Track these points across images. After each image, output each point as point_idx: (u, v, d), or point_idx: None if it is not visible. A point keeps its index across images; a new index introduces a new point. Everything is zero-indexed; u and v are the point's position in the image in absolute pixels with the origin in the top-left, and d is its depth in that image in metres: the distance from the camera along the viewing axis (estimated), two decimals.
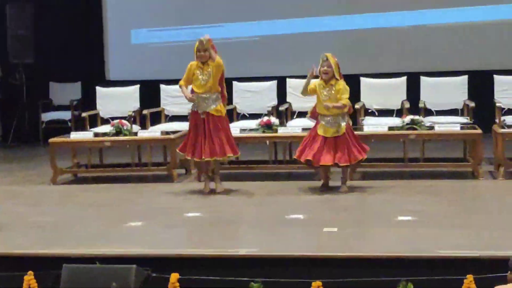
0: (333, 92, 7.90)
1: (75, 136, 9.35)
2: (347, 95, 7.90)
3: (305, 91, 8.14)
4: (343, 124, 7.89)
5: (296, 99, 9.74)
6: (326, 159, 7.83)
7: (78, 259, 5.75)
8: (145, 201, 7.98)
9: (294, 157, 8.26)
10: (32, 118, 13.31)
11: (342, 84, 7.92)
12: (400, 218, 6.80)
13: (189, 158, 8.17)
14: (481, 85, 10.33)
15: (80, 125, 12.42)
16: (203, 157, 7.94)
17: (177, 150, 8.27)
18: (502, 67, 11.05)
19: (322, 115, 7.96)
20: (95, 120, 10.14)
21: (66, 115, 12.98)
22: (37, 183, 9.30)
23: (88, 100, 12.19)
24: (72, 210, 7.67)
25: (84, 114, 9.98)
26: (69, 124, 12.80)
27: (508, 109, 9.42)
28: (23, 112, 13.46)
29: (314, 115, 8.13)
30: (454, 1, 12.10)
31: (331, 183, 8.19)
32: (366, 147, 8.10)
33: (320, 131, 7.91)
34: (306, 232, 6.51)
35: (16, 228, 6.90)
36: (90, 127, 9.85)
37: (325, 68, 7.90)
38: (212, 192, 8.13)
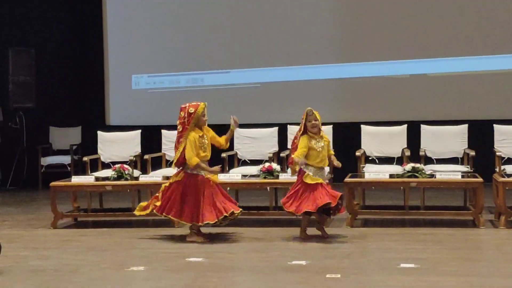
0: (322, 143, 8.08)
1: (77, 180, 9.34)
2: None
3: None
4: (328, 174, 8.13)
5: None
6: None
7: None
8: (146, 246, 7.96)
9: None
10: (32, 162, 13.35)
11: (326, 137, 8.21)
12: (403, 265, 6.77)
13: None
14: (481, 134, 10.42)
15: (79, 169, 12.48)
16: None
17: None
18: (502, 117, 11.19)
19: (316, 167, 8.05)
20: (95, 165, 10.16)
21: (65, 159, 13.05)
22: (37, 227, 9.29)
23: (88, 145, 12.27)
24: (73, 254, 7.63)
25: (85, 158, 9.99)
26: (69, 168, 12.84)
27: (508, 158, 9.49)
28: (23, 156, 13.50)
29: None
30: (454, 51, 12.24)
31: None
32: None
33: (308, 180, 8.02)
34: (309, 278, 6.48)
35: (17, 272, 6.86)
36: (90, 172, 9.86)
37: (313, 122, 8.04)
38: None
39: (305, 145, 8.00)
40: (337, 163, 8.09)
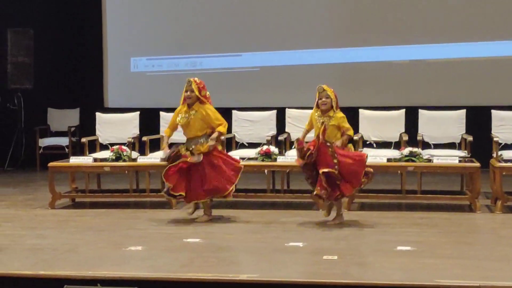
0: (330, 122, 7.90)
1: (75, 160, 9.36)
2: (347, 124, 7.96)
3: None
4: None
5: (295, 129, 9.80)
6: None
7: (79, 281, 5.75)
8: (144, 227, 7.99)
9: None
10: (29, 143, 13.35)
11: (341, 114, 7.95)
12: (399, 248, 6.81)
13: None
14: (478, 119, 10.44)
15: (77, 151, 12.49)
16: None
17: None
18: (500, 103, 11.19)
19: None
20: (93, 146, 10.17)
21: (63, 141, 13.06)
22: (35, 207, 9.31)
23: (86, 127, 12.26)
24: (71, 234, 7.66)
25: (83, 140, 9.98)
26: (66, 150, 12.85)
27: (505, 143, 9.52)
28: (21, 138, 13.51)
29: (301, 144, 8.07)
30: (453, 37, 12.23)
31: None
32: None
33: None
34: (306, 259, 6.52)
35: (14, 251, 6.89)
36: (88, 153, 9.87)
37: (323, 99, 7.92)
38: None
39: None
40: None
